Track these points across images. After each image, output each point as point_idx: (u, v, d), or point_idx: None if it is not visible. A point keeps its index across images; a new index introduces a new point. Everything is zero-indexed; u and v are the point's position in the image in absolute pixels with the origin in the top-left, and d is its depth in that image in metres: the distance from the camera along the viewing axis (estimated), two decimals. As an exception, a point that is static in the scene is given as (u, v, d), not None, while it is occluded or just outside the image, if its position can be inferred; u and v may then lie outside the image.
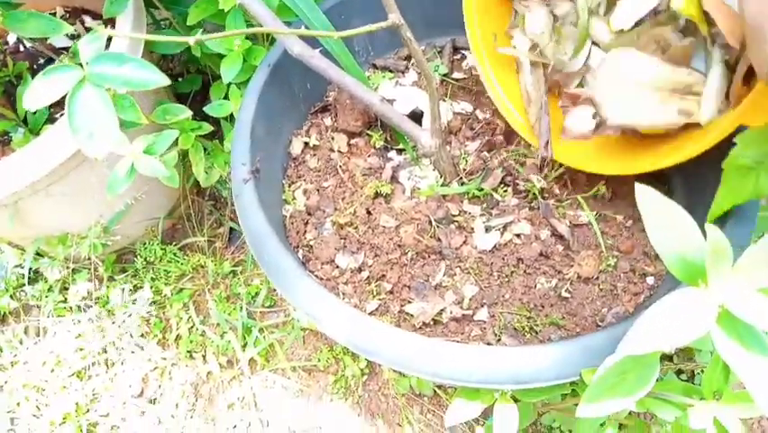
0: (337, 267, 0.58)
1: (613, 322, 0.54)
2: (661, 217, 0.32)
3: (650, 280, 0.55)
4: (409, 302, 0.55)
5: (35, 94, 0.32)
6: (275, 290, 0.91)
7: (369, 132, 0.67)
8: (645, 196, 0.33)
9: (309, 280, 0.48)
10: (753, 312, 0.31)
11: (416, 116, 0.65)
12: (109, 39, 0.71)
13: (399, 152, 0.67)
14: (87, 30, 0.88)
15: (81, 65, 0.33)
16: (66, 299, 0.88)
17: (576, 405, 0.61)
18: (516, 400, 0.51)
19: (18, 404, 0.82)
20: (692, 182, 0.59)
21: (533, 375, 0.43)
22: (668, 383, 0.50)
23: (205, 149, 0.82)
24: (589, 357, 0.43)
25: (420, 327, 0.54)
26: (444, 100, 0.68)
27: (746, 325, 0.30)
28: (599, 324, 0.54)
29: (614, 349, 0.44)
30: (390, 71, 0.73)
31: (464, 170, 0.63)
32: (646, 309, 0.51)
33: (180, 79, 1.03)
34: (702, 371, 0.71)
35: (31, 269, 0.87)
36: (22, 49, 0.86)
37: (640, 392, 0.39)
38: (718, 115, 0.48)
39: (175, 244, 0.94)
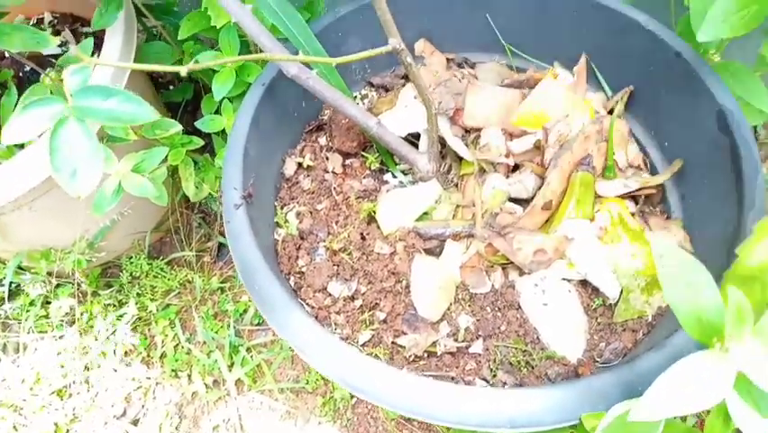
0: (329, 295, 0.56)
1: (611, 358, 0.52)
2: (678, 273, 0.31)
3: (648, 316, 0.54)
4: (404, 333, 0.54)
5: (16, 129, 0.30)
6: (264, 307, 0.89)
7: (364, 153, 0.66)
8: (662, 249, 0.32)
9: (299, 314, 0.46)
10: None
11: (414, 138, 0.63)
12: (97, 44, 0.69)
13: (395, 174, 0.65)
14: (77, 36, 0.86)
15: (64, 98, 0.31)
16: (48, 314, 0.86)
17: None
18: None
19: (-5, 423, 0.80)
20: (692, 210, 0.58)
21: (530, 419, 0.42)
22: (672, 426, 0.48)
23: (195, 162, 0.80)
24: (587, 401, 0.42)
25: (413, 361, 0.53)
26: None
27: (763, 392, 0.29)
28: (597, 359, 0.53)
29: (613, 393, 0.42)
30: (387, 89, 0.71)
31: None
32: (644, 346, 0.51)
33: (171, 87, 1.01)
34: (703, 413, 0.69)
35: (11, 283, 0.84)
36: (6, 56, 0.84)
37: (648, 439, 0.38)
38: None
39: (162, 259, 0.92)
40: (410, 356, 0.53)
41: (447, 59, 0.72)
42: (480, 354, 0.54)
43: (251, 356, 0.84)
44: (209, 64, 0.36)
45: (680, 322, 0.31)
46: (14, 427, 0.79)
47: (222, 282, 0.91)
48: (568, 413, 0.42)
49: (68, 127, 0.30)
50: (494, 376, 0.52)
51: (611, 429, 0.38)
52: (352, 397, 0.81)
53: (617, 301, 0.55)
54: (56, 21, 0.88)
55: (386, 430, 0.80)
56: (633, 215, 0.59)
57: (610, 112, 0.64)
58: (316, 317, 0.54)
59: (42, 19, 0.88)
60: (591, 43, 0.66)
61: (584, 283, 0.56)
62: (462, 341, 0.54)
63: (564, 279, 0.56)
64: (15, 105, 0.73)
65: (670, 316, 0.53)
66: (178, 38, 0.69)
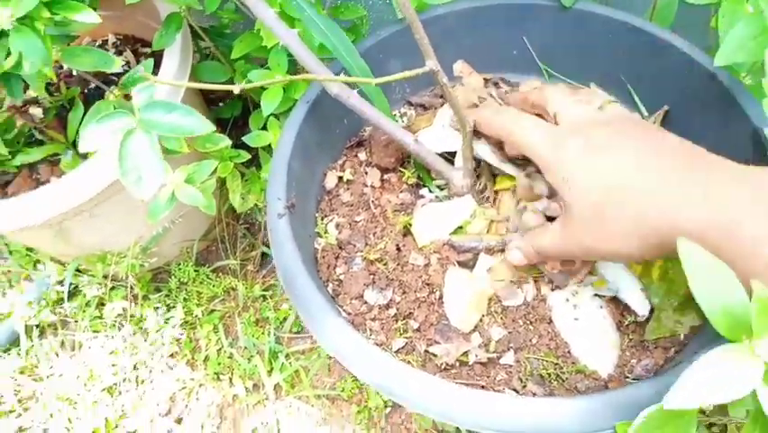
0: (365, 303, 0.58)
1: (642, 375, 0.53)
2: (705, 273, 0.32)
3: (680, 335, 0.54)
4: (436, 342, 0.55)
5: (90, 139, 0.34)
6: (303, 316, 0.92)
7: (402, 168, 0.68)
8: (688, 251, 0.33)
9: (337, 319, 0.49)
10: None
11: (450, 155, 0.66)
12: (156, 62, 0.74)
13: (431, 189, 0.67)
14: (137, 57, 0.92)
15: (132, 112, 0.35)
16: (102, 315, 0.91)
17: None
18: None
19: (51, 416, 0.85)
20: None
21: (557, 427, 0.43)
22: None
23: (242, 175, 0.84)
24: (615, 410, 0.43)
25: (445, 369, 0.54)
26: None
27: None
28: (628, 375, 0.54)
29: (644, 403, 0.43)
30: (425, 108, 0.74)
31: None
32: (677, 363, 0.51)
33: (221, 104, 1.06)
34: (736, 426, 0.68)
35: (70, 284, 0.90)
36: (74, 74, 0.90)
37: (678, 448, 0.38)
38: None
39: (208, 266, 0.97)
40: (442, 364, 0.54)
41: (485, 80, 0.74)
42: (510, 366, 0.55)
43: (290, 363, 0.87)
44: (260, 83, 0.40)
45: (709, 320, 0.32)
46: (69, 419, 0.84)
47: (264, 290, 0.95)
48: (596, 423, 0.43)
49: (136, 138, 0.34)
50: (524, 387, 0.53)
51: (644, 429, 0.39)
52: (386, 406, 0.83)
53: (649, 319, 0.55)
54: (119, 42, 0.94)
55: (418, 441, 0.81)
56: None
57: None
58: (353, 323, 0.57)
59: (107, 41, 0.94)
60: (627, 64, 0.67)
61: (615, 300, 0.57)
62: (494, 352, 0.55)
63: (596, 295, 0.57)
64: (81, 120, 0.79)
65: (702, 334, 0.53)
66: (231, 57, 0.74)
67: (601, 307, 0.56)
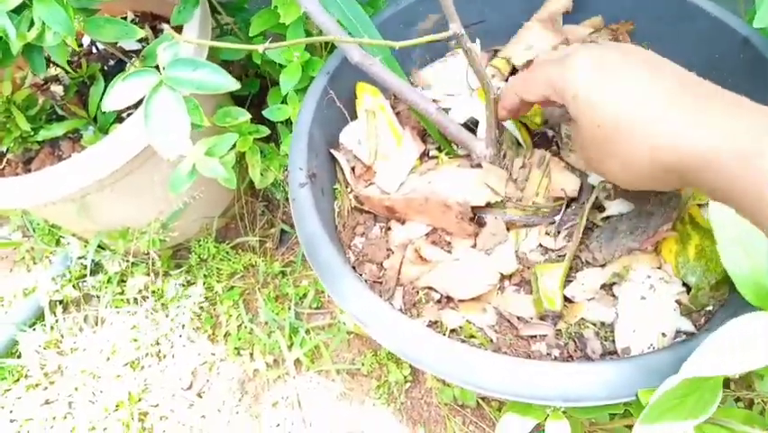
0: (384, 269, 0.58)
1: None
2: (736, 239, 0.31)
3: (710, 307, 0.53)
4: (454, 310, 0.55)
5: (117, 96, 0.34)
6: (322, 292, 0.93)
7: (422, 139, 0.67)
8: (720, 216, 0.32)
9: (358, 283, 0.49)
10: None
11: (473, 125, 0.65)
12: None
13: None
14: (156, 33, 0.92)
15: (157, 68, 0.35)
16: (123, 291, 0.92)
17: (626, 426, 0.60)
18: (568, 417, 0.50)
19: (76, 389, 0.86)
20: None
21: (582, 393, 0.43)
22: (728, 411, 0.48)
23: (261, 151, 0.84)
24: (641, 378, 0.42)
25: (465, 337, 0.54)
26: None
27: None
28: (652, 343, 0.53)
29: (669, 371, 0.42)
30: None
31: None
32: (705, 332, 0.50)
33: (240, 82, 1.06)
34: (763, 400, 0.67)
35: (93, 261, 0.91)
36: (94, 51, 0.91)
37: (701, 417, 0.38)
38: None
39: (228, 243, 0.97)
40: (458, 330, 0.54)
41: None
42: (537, 336, 0.54)
43: (310, 338, 0.88)
44: (280, 45, 0.40)
45: (737, 287, 0.31)
46: (93, 393, 0.85)
47: (283, 267, 0.95)
48: (621, 389, 0.42)
49: (162, 94, 0.34)
50: (548, 354, 0.53)
51: (665, 402, 0.38)
52: (406, 381, 0.83)
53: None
54: (137, 19, 0.94)
55: (439, 415, 0.81)
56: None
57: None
58: (373, 291, 0.57)
59: (125, 17, 0.94)
60: (656, 30, 0.65)
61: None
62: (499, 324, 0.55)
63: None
64: (102, 95, 0.79)
65: (729, 305, 0.52)
66: (249, 34, 0.73)
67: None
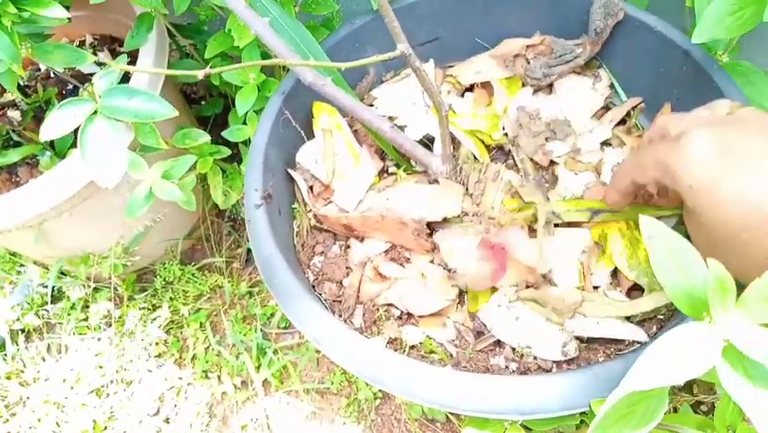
0: (344, 288, 0.58)
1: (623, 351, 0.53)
2: (666, 251, 0.32)
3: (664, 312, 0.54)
4: (412, 325, 0.55)
5: (52, 125, 0.34)
6: (290, 311, 0.92)
7: (381, 156, 0.68)
8: (650, 229, 0.33)
9: (315, 304, 0.48)
10: (757, 347, 0.30)
11: (429, 141, 0.65)
12: (133, 61, 0.74)
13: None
14: (114, 56, 0.91)
15: (94, 99, 0.35)
16: (87, 317, 0.90)
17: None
18: (528, 430, 0.51)
19: (39, 420, 0.84)
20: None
21: (536, 406, 0.43)
22: (683, 416, 0.49)
23: (223, 171, 0.84)
24: (594, 388, 0.43)
25: (423, 355, 0.54)
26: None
27: (753, 361, 0.30)
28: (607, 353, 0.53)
29: (621, 379, 0.43)
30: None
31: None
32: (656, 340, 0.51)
33: (203, 103, 1.06)
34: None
35: (54, 287, 0.89)
36: (52, 75, 0.90)
37: (649, 425, 0.38)
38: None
39: (193, 265, 0.96)
40: (417, 348, 0.54)
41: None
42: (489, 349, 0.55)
43: (278, 358, 0.87)
44: (228, 69, 0.40)
45: (670, 298, 0.32)
46: (57, 423, 0.83)
47: (250, 287, 0.95)
48: (575, 400, 0.43)
49: (97, 123, 0.34)
50: (506, 368, 0.53)
51: (615, 412, 0.39)
52: (376, 398, 0.83)
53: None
54: (96, 42, 0.94)
55: (409, 431, 0.81)
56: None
57: (621, 122, 0.66)
58: (331, 311, 0.56)
59: (84, 41, 0.94)
60: (605, 47, 0.67)
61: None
62: (464, 337, 0.55)
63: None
64: (58, 120, 0.78)
65: (679, 314, 0.53)
66: (205, 57, 0.73)
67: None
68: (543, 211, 0.56)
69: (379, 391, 0.83)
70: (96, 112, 0.34)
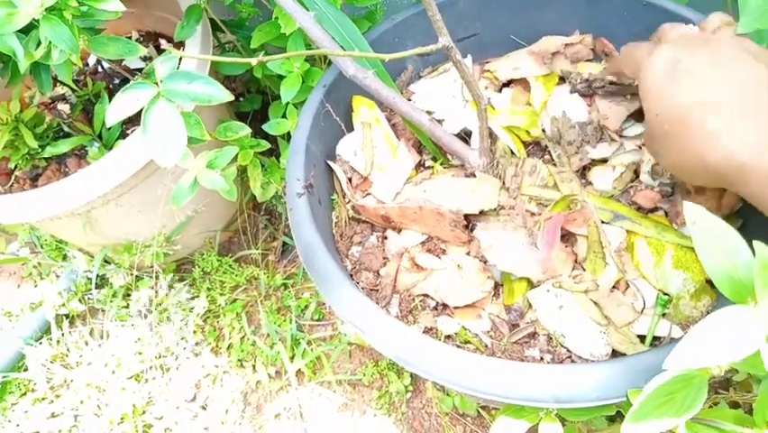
0: (381, 278, 0.59)
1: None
2: (710, 236, 0.32)
3: (696, 318, 0.54)
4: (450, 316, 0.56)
5: (116, 108, 0.36)
6: (324, 304, 0.94)
7: (418, 150, 0.69)
8: (694, 215, 0.33)
9: (355, 291, 0.50)
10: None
11: (467, 135, 0.66)
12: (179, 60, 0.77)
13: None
14: (159, 52, 0.94)
15: (155, 83, 0.37)
16: (128, 304, 0.93)
17: (622, 431, 0.60)
18: (563, 421, 0.51)
19: (81, 402, 0.88)
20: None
21: (573, 395, 0.43)
22: (720, 411, 0.48)
23: (262, 165, 0.86)
24: (633, 378, 0.43)
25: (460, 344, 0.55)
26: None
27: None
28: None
29: (657, 371, 0.43)
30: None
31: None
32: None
33: (242, 99, 1.08)
34: (760, 404, 0.67)
35: (98, 274, 0.93)
36: (100, 70, 0.93)
37: (687, 414, 0.38)
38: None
39: (230, 256, 0.99)
40: (454, 336, 0.55)
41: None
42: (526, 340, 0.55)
43: (311, 349, 0.89)
44: (278, 57, 0.41)
45: (714, 283, 0.32)
46: (98, 406, 0.86)
47: (285, 279, 0.96)
48: (612, 390, 0.43)
49: (159, 106, 0.35)
50: (541, 359, 0.54)
51: (654, 400, 0.39)
52: (407, 391, 0.84)
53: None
54: (141, 38, 0.97)
55: (440, 425, 0.82)
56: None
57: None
58: (370, 298, 0.57)
59: (130, 37, 0.97)
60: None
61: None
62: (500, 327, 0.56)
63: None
64: (107, 112, 0.81)
65: (721, 303, 0.53)
66: (251, 47, 0.75)
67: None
68: (590, 201, 0.57)
69: (411, 384, 0.84)
70: (158, 95, 0.36)
